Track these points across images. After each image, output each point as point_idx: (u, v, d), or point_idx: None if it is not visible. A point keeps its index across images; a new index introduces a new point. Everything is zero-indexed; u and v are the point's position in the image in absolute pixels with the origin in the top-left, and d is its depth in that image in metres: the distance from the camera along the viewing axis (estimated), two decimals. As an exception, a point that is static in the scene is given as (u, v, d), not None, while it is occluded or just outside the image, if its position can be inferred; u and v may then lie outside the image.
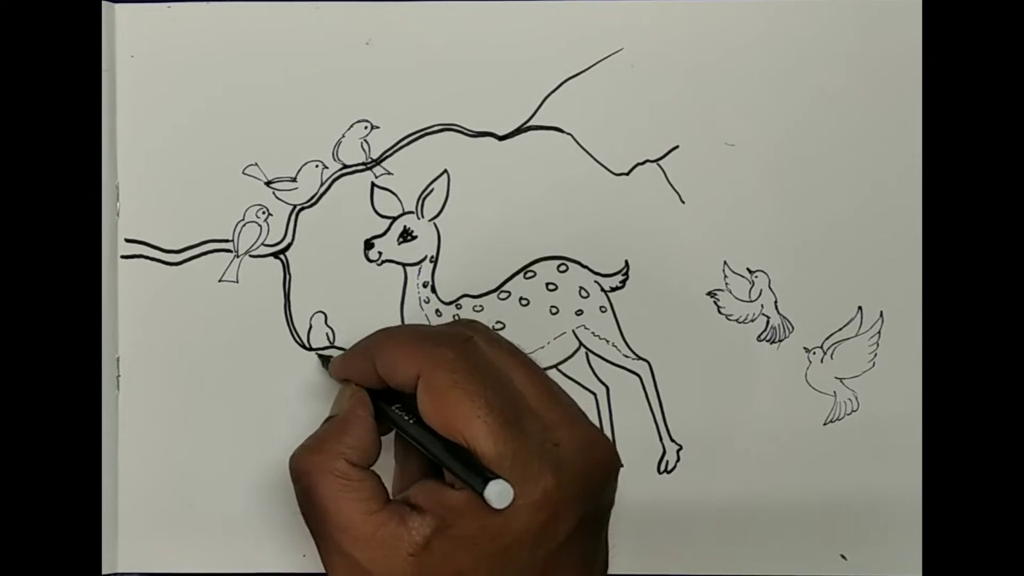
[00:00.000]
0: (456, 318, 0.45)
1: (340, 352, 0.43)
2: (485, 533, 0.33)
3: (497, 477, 0.32)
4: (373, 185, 0.45)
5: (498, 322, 0.45)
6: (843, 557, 0.45)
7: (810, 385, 0.45)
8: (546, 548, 0.33)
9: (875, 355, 0.45)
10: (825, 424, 0.45)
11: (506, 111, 0.45)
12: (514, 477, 0.33)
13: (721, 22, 0.45)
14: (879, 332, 0.45)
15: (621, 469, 0.45)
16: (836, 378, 0.45)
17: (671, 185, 0.45)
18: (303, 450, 0.36)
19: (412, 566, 0.33)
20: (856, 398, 0.45)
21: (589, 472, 0.35)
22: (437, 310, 0.45)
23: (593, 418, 0.45)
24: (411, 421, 0.36)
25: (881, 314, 0.45)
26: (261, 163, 0.45)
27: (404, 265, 0.45)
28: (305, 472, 0.36)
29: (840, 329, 0.45)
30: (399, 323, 0.45)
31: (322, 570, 0.45)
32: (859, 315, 0.45)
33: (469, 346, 0.36)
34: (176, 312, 0.45)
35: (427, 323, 0.45)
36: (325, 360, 0.43)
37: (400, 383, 0.36)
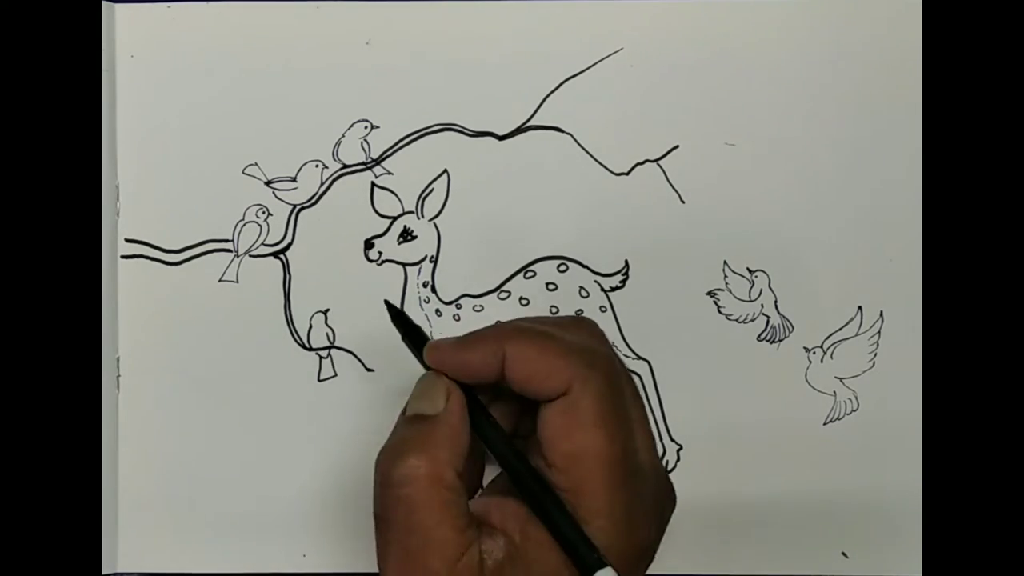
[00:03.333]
0: (456, 318, 0.45)
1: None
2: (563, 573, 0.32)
3: (605, 565, 0.31)
4: (373, 185, 0.45)
5: (498, 322, 0.45)
6: (844, 555, 0.45)
7: (810, 385, 0.45)
8: None
9: (875, 355, 0.45)
10: (825, 424, 0.45)
11: (506, 111, 0.45)
12: (627, 528, 0.32)
13: (721, 22, 0.45)
14: (879, 332, 0.45)
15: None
16: (836, 378, 0.45)
17: (671, 185, 0.45)
18: (401, 454, 0.32)
19: None
20: (856, 398, 0.45)
21: (666, 518, 0.35)
22: (437, 310, 0.45)
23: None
24: (513, 448, 0.33)
25: (881, 314, 0.45)
26: (261, 163, 0.45)
27: (404, 265, 0.45)
28: (406, 479, 0.32)
29: (840, 329, 0.45)
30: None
31: (323, 570, 0.45)
32: (859, 315, 0.45)
33: (619, 378, 0.33)
34: (176, 312, 0.45)
35: (427, 323, 0.45)
36: (416, 335, 0.37)
37: (533, 390, 0.33)
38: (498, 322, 0.42)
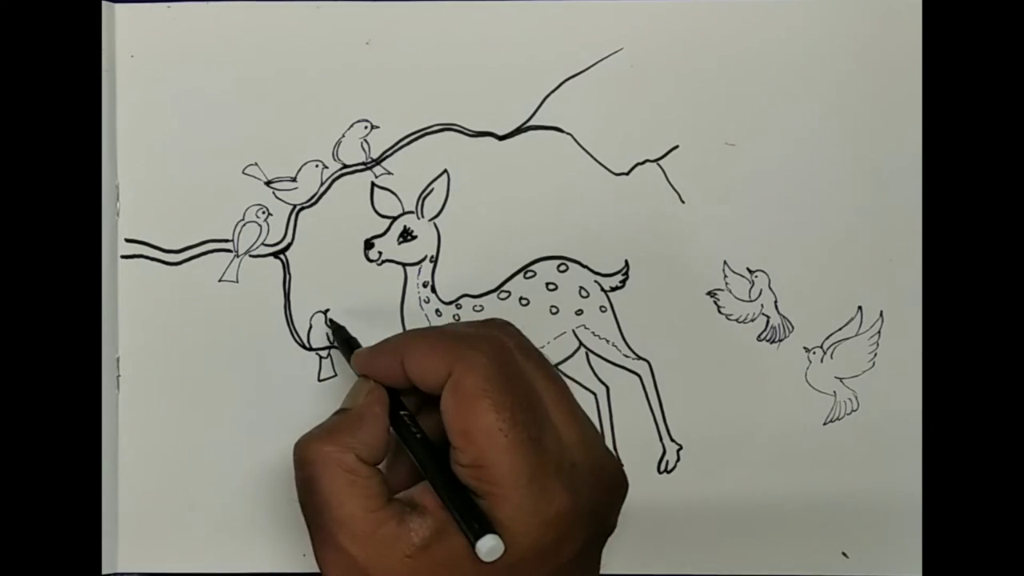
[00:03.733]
0: (456, 318, 0.45)
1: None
2: (476, 556, 0.33)
3: (490, 531, 0.32)
4: (373, 185, 0.45)
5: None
6: (844, 555, 0.45)
7: (810, 385, 0.45)
8: (549, 567, 0.33)
9: (875, 355, 0.45)
10: (825, 424, 0.45)
11: (506, 111, 0.45)
12: (529, 494, 0.32)
13: (721, 22, 0.45)
14: (879, 332, 0.45)
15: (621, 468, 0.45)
16: (836, 378, 0.45)
17: (671, 185, 0.45)
18: (311, 439, 0.35)
19: (408, 568, 0.33)
20: (856, 398, 0.45)
21: (600, 496, 0.35)
22: (437, 310, 0.45)
23: (593, 418, 0.45)
24: (418, 436, 0.36)
25: (881, 314, 0.45)
26: (261, 163, 0.45)
27: (404, 265, 0.45)
28: (311, 462, 0.35)
29: (840, 329, 0.45)
30: (399, 323, 0.45)
31: (322, 570, 0.45)
32: (859, 315, 0.45)
33: (504, 354, 0.35)
34: (176, 312, 0.45)
35: (428, 323, 0.45)
36: (346, 347, 0.42)
37: (428, 383, 0.35)
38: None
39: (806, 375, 0.45)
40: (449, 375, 0.34)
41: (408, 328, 0.45)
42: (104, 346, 0.44)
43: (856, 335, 0.45)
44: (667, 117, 0.45)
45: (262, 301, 0.45)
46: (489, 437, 0.33)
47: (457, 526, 0.33)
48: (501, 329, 0.37)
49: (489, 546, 0.32)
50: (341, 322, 0.44)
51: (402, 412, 0.37)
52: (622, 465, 0.38)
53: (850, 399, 0.45)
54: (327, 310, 0.45)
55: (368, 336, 0.45)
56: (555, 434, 0.34)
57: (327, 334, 0.44)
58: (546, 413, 0.35)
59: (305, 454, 0.35)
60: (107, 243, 0.44)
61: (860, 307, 0.45)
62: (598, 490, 0.35)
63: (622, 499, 0.37)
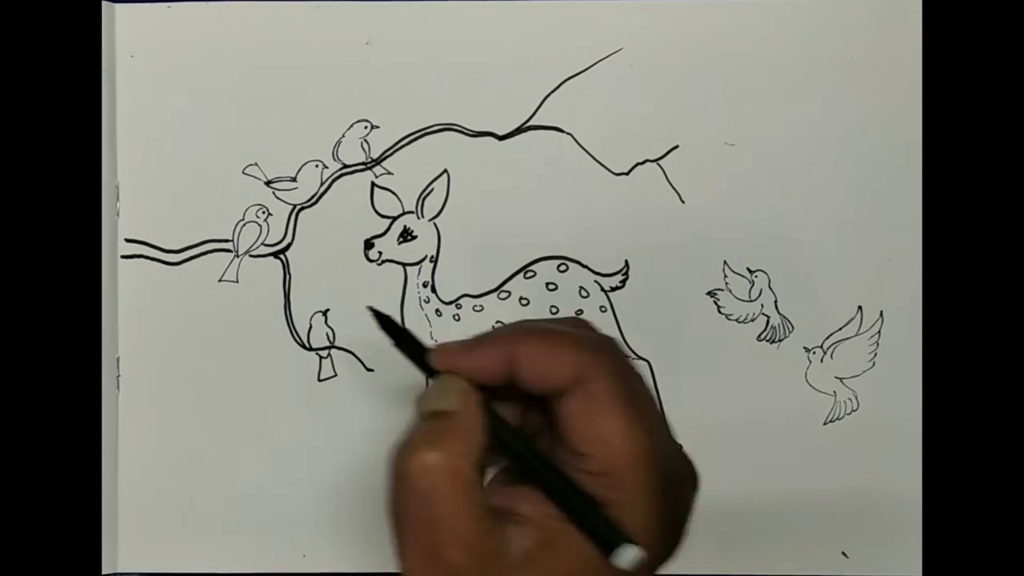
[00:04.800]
0: (456, 318, 0.45)
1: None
2: (590, 566, 0.31)
3: (626, 540, 0.31)
4: (373, 185, 0.45)
5: (498, 322, 0.45)
6: (844, 555, 0.45)
7: (810, 385, 0.45)
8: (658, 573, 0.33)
9: (875, 355, 0.45)
10: (825, 424, 0.45)
11: (506, 111, 0.45)
12: (660, 504, 0.32)
13: (721, 22, 0.45)
14: (879, 332, 0.45)
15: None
16: (836, 378, 0.45)
17: (671, 185, 0.45)
18: (416, 449, 0.32)
19: None
20: (856, 398, 0.45)
21: (692, 495, 0.36)
22: (437, 310, 0.45)
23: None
24: (526, 441, 0.34)
25: (881, 314, 0.45)
26: (261, 163, 0.45)
27: (404, 265, 0.45)
28: (423, 472, 0.31)
29: (840, 329, 0.45)
30: (400, 323, 0.45)
31: (323, 570, 0.45)
32: (859, 315, 0.45)
33: (627, 361, 0.34)
34: (176, 312, 0.45)
35: (427, 323, 0.45)
36: (396, 331, 0.37)
37: (546, 385, 0.33)
38: (502, 324, 0.41)
39: (806, 375, 0.45)
40: (576, 378, 0.32)
41: (407, 328, 0.44)
42: (104, 346, 0.44)
43: (856, 335, 0.45)
44: (667, 117, 0.45)
45: (262, 301, 0.45)
46: (625, 445, 0.31)
47: (581, 534, 0.32)
48: (606, 335, 0.35)
49: (632, 555, 0.31)
50: (341, 322, 0.44)
51: (498, 416, 0.34)
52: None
53: (850, 399, 0.45)
54: (327, 310, 0.45)
55: (368, 336, 0.45)
56: (665, 440, 0.34)
57: (384, 326, 0.38)
58: (658, 419, 0.34)
59: (412, 465, 0.32)
60: (107, 243, 0.44)
61: (860, 307, 0.45)
62: (692, 495, 0.35)
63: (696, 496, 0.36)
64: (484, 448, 0.33)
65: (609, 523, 0.31)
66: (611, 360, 0.33)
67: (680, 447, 0.35)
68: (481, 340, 0.34)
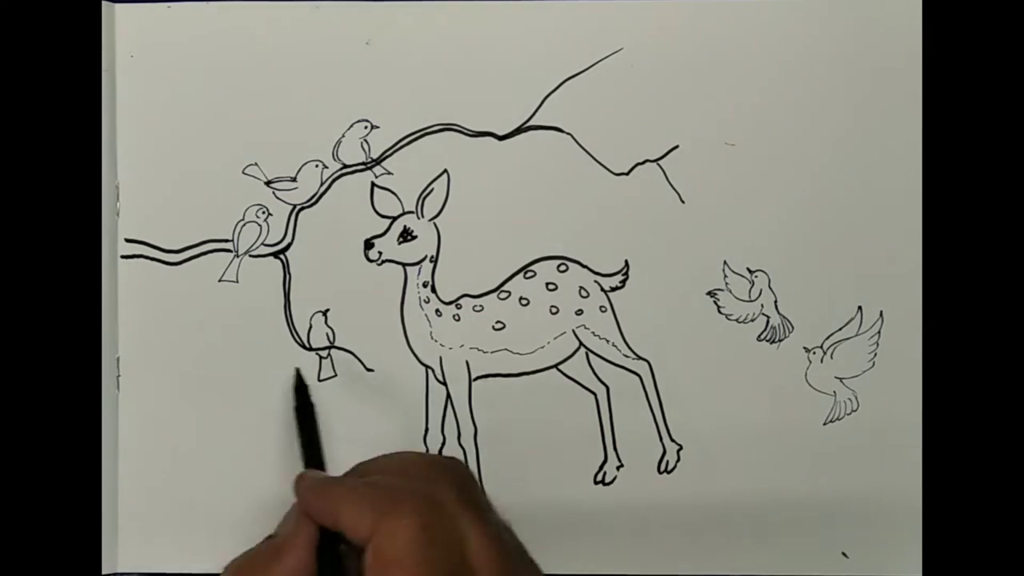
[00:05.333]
0: (456, 318, 0.45)
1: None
2: None
3: None
4: (373, 185, 0.45)
5: (498, 322, 0.45)
6: (844, 555, 0.45)
7: (810, 385, 0.45)
8: None
9: (875, 355, 0.45)
10: (825, 424, 0.45)
11: (506, 111, 0.45)
12: None
13: (721, 22, 0.45)
14: (879, 332, 0.45)
15: (621, 468, 0.45)
16: (836, 378, 0.45)
17: (671, 185, 0.45)
18: (234, 567, 0.36)
19: None
20: (856, 398, 0.45)
21: None
22: (437, 310, 0.45)
23: (593, 419, 0.45)
24: None
25: (881, 314, 0.45)
26: (261, 163, 0.45)
27: (404, 265, 0.45)
28: None
29: (840, 329, 0.45)
30: (400, 323, 0.45)
31: (322, 570, 0.45)
32: (859, 315, 0.45)
33: (432, 513, 0.33)
34: (176, 312, 0.45)
35: (429, 327, 0.45)
36: (304, 427, 0.42)
37: (360, 539, 0.34)
38: (356, 467, 0.39)
39: (806, 375, 0.45)
40: (371, 535, 0.33)
41: (408, 328, 0.45)
42: (104, 346, 0.44)
43: (856, 335, 0.45)
44: (667, 117, 0.45)
45: (262, 301, 0.45)
46: None
47: None
48: (443, 475, 0.36)
49: None
50: (341, 322, 0.44)
51: (338, 546, 0.35)
52: None
53: (850, 399, 0.45)
54: (327, 310, 0.45)
55: (368, 336, 0.45)
56: None
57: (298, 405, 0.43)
58: (466, 565, 0.33)
59: None
60: (107, 243, 0.44)
61: (860, 307, 0.45)
62: None
63: None
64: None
65: None
66: (407, 518, 0.33)
67: None
68: (320, 487, 0.36)
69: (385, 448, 0.45)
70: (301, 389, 0.43)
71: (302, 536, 0.36)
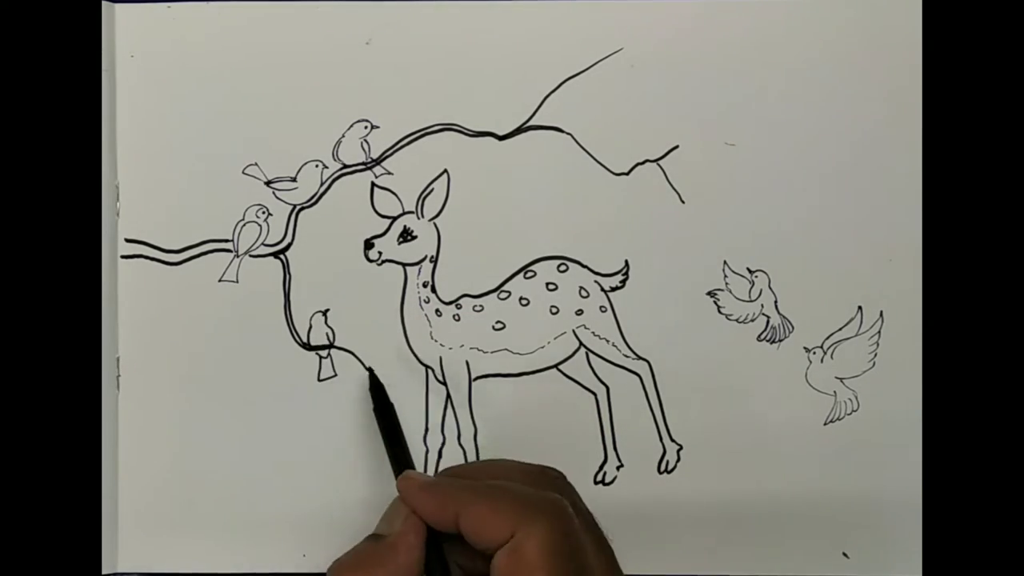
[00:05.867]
0: (456, 318, 0.45)
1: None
2: None
3: None
4: (373, 185, 0.45)
5: (498, 322, 0.45)
6: (845, 555, 0.45)
7: (810, 385, 0.45)
8: None
9: (875, 355, 0.45)
10: (825, 424, 0.45)
11: (506, 111, 0.45)
12: None
13: (721, 22, 0.45)
14: (879, 332, 0.45)
15: (621, 468, 0.45)
16: (836, 378, 0.45)
17: (671, 185, 0.45)
18: (341, 567, 0.35)
19: None
20: (856, 398, 0.45)
21: None
22: (437, 310, 0.45)
23: (593, 419, 0.45)
24: None
25: (881, 314, 0.45)
26: (261, 163, 0.45)
27: (404, 265, 0.45)
28: None
29: (840, 329, 0.45)
30: (400, 323, 0.45)
31: (322, 570, 0.45)
32: (859, 315, 0.45)
33: (566, 523, 0.34)
34: (176, 312, 0.45)
35: (429, 327, 0.45)
36: (396, 446, 0.41)
37: (484, 543, 0.34)
38: (449, 470, 0.40)
39: (806, 375, 0.45)
40: (508, 537, 0.33)
41: (408, 328, 0.45)
42: (104, 346, 0.44)
43: (856, 335, 0.45)
44: (667, 117, 0.45)
45: (262, 301, 0.45)
46: None
47: None
48: (561, 488, 0.36)
49: None
50: (341, 322, 0.44)
51: (438, 553, 0.36)
52: None
53: (850, 399, 0.45)
54: (327, 310, 0.45)
55: (368, 336, 0.45)
56: None
57: (371, 390, 0.43)
58: None
59: None
60: (107, 243, 0.44)
61: (860, 307, 0.45)
62: None
63: None
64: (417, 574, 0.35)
65: None
66: (547, 520, 0.33)
67: None
68: (439, 487, 0.36)
69: (384, 448, 0.45)
70: (378, 390, 0.42)
71: (413, 535, 0.35)
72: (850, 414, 0.45)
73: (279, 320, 0.45)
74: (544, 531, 0.33)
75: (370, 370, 0.43)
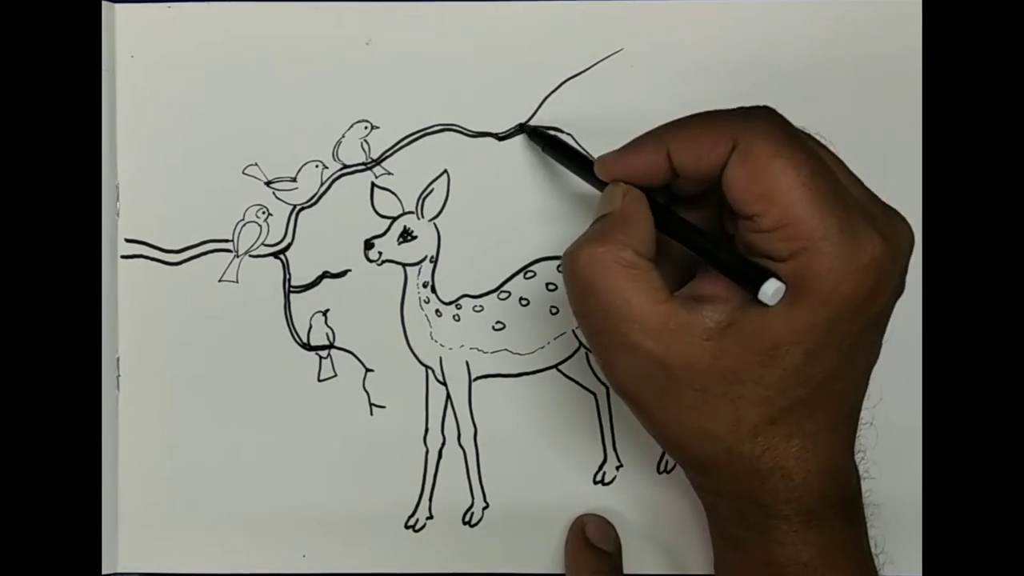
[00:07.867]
0: (456, 319, 0.45)
1: None
2: (773, 336, 0.32)
3: (770, 276, 0.32)
4: (373, 185, 0.45)
5: (498, 322, 0.45)
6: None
7: (810, 385, 0.45)
8: (864, 319, 0.33)
9: (875, 355, 0.45)
10: (825, 424, 0.45)
11: (506, 111, 0.45)
12: (843, 242, 0.32)
13: (721, 22, 0.45)
14: (879, 332, 0.45)
15: (621, 468, 0.45)
16: (836, 378, 0.45)
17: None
18: (581, 245, 0.34)
19: (709, 351, 0.32)
20: (856, 398, 0.45)
21: (903, 244, 0.34)
22: (437, 310, 0.45)
23: (593, 419, 0.45)
24: (688, 223, 0.36)
25: (881, 314, 0.45)
26: (261, 163, 0.45)
27: (404, 265, 0.45)
28: (588, 264, 0.34)
29: (840, 329, 0.45)
30: (400, 323, 0.45)
31: (323, 570, 0.45)
32: (859, 315, 0.45)
33: (784, 120, 0.34)
34: (176, 312, 0.45)
35: (429, 327, 0.45)
36: (571, 153, 0.42)
37: (704, 166, 0.34)
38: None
39: (806, 375, 0.45)
40: (731, 148, 0.33)
41: (408, 328, 0.45)
42: (104, 346, 0.44)
43: (856, 335, 0.45)
44: (667, 117, 0.45)
45: (262, 301, 0.45)
46: (792, 193, 0.32)
47: (748, 296, 0.33)
48: (758, 113, 0.36)
49: (774, 288, 0.32)
50: (341, 322, 0.44)
51: (668, 212, 0.36)
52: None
53: (850, 399, 0.45)
54: (327, 310, 0.45)
55: (368, 336, 0.45)
56: (848, 190, 0.34)
57: (547, 143, 0.43)
58: (835, 171, 0.34)
59: (578, 260, 0.34)
60: (107, 243, 0.44)
61: (860, 307, 0.45)
62: (900, 237, 0.34)
63: (910, 254, 0.35)
64: (649, 238, 0.35)
65: (748, 262, 0.33)
66: (764, 120, 0.33)
67: (874, 195, 0.35)
68: (637, 141, 0.36)
69: (385, 448, 0.45)
70: (535, 132, 0.44)
71: (636, 200, 0.36)
72: (850, 414, 0.45)
73: (279, 320, 0.45)
74: (767, 128, 0.33)
75: (521, 125, 0.44)
